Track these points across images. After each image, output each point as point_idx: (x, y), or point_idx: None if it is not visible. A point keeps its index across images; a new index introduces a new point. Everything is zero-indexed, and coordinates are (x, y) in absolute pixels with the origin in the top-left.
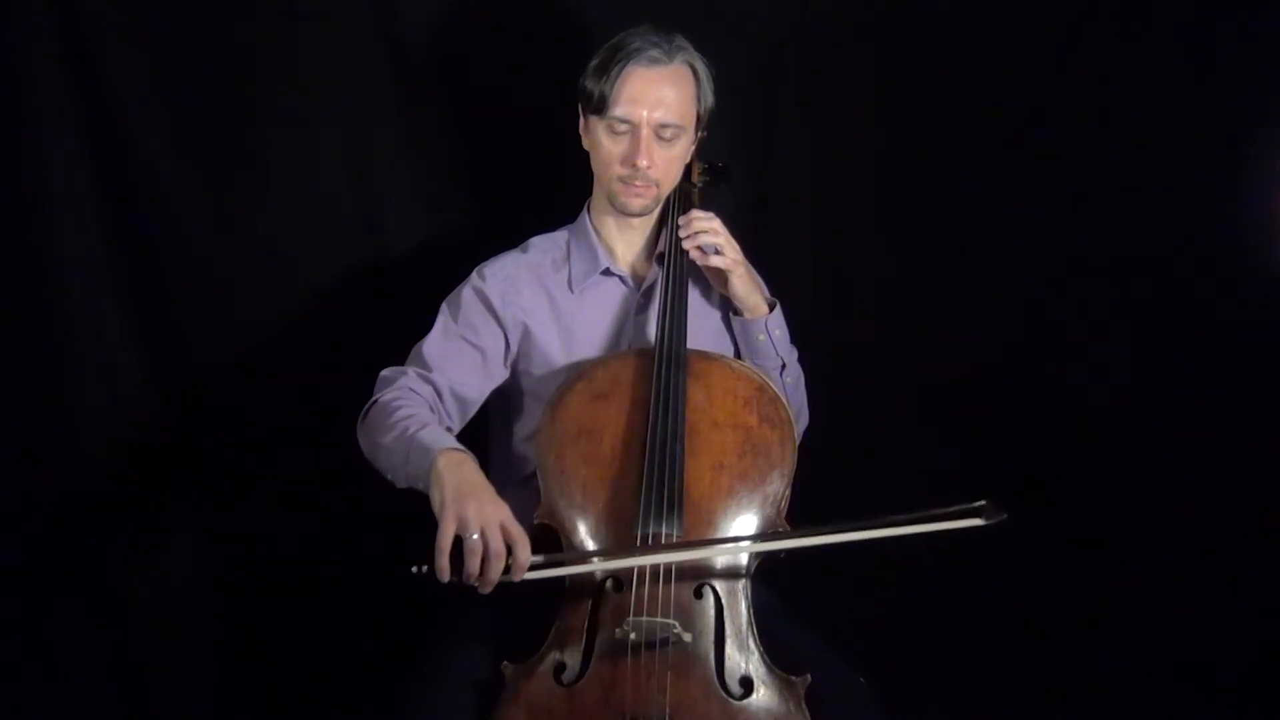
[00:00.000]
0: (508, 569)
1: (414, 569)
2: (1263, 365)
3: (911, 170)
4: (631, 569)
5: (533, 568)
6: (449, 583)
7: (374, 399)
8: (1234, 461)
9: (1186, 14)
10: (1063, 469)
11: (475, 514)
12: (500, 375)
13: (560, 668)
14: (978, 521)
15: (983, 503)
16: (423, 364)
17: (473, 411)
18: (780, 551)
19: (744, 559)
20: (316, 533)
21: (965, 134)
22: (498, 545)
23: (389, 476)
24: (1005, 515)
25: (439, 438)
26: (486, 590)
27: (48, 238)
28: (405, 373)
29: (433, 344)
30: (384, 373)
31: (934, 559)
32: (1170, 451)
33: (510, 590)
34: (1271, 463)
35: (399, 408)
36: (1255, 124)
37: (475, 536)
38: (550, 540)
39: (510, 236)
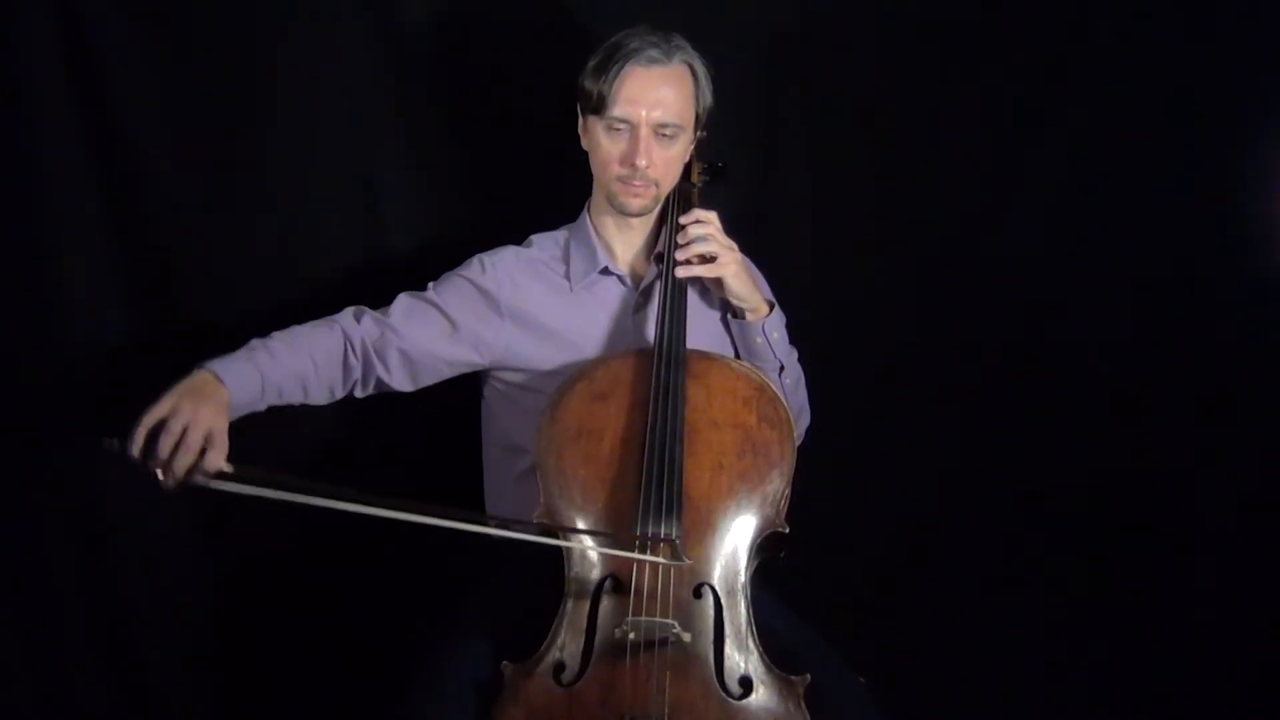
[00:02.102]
0: (195, 469)
1: (106, 440)
2: (1264, 365)
3: (911, 170)
4: (631, 567)
5: (222, 476)
6: (134, 463)
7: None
8: (1235, 461)
9: (1187, 13)
10: (1063, 469)
11: (190, 408)
12: (467, 356)
13: (559, 667)
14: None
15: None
16: (387, 312)
17: (429, 377)
18: (780, 554)
19: (743, 559)
20: (316, 532)
21: (965, 134)
22: (193, 440)
23: None
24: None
25: (227, 363)
26: (167, 485)
27: (48, 238)
28: (365, 311)
29: (405, 298)
30: (350, 308)
31: (934, 559)
32: (1171, 451)
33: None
34: (1273, 462)
35: (290, 333)
36: (1257, 123)
37: (177, 424)
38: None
39: (510, 236)
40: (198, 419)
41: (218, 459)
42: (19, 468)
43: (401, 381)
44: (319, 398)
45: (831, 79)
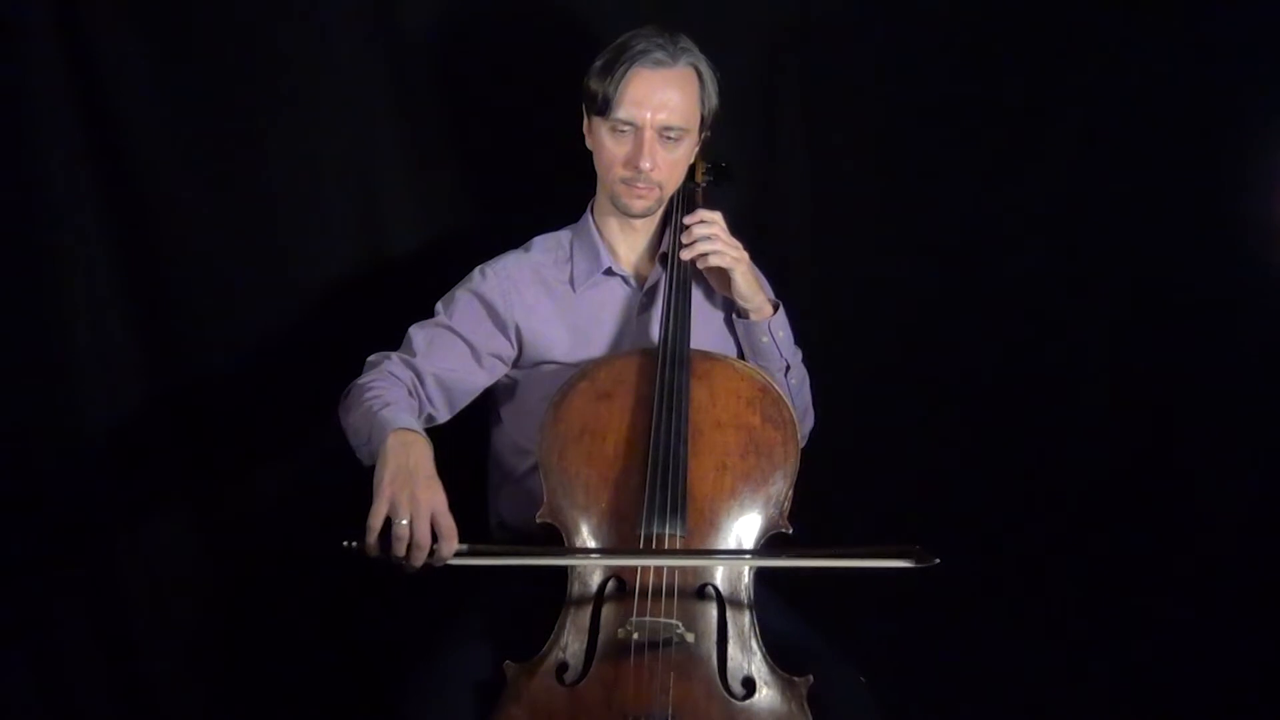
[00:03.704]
0: (433, 554)
1: (344, 544)
2: (1265, 366)
3: (913, 170)
4: (635, 568)
5: (459, 555)
6: (376, 559)
7: (356, 381)
8: (1236, 461)
9: (1187, 13)
10: (1063, 468)
11: (408, 500)
12: (495, 371)
13: (562, 667)
14: (906, 563)
15: (916, 547)
16: (409, 349)
17: (463, 402)
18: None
19: (744, 561)
20: (316, 532)
21: (966, 134)
22: (422, 536)
23: (359, 455)
24: (936, 561)
25: (397, 416)
26: (410, 572)
27: (48, 238)
28: (389, 357)
29: (421, 331)
30: (371, 357)
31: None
32: (1172, 451)
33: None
34: (1274, 462)
35: (372, 388)
36: (1257, 124)
37: (404, 523)
38: (553, 539)
39: (511, 236)
40: (419, 509)
41: (449, 550)
42: (18, 466)
43: (442, 413)
44: None
45: (834, 79)
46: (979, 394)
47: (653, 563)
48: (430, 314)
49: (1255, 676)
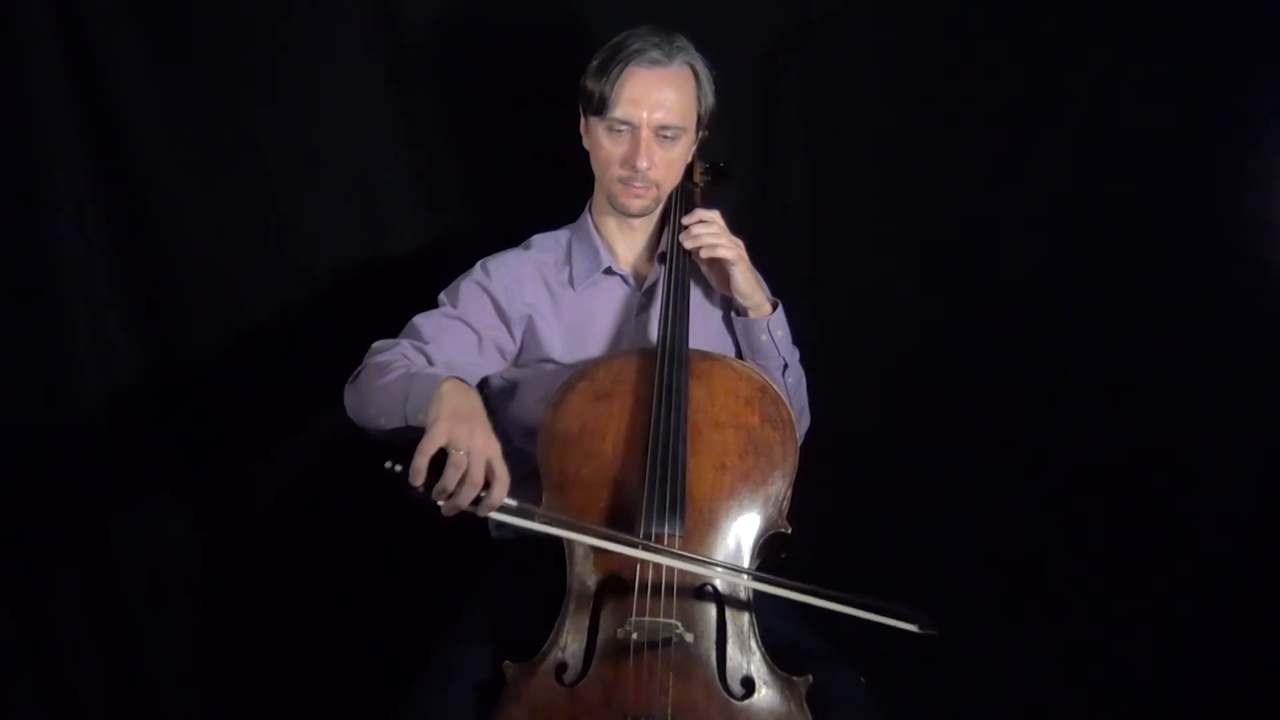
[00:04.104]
0: (478, 501)
1: (388, 464)
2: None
3: (912, 169)
4: (634, 567)
5: (503, 509)
6: (416, 492)
7: (365, 363)
8: (1236, 461)
9: (1187, 13)
10: (1063, 468)
11: (468, 436)
12: (495, 363)
13: (562, 668)
14: (912, 627)
15: (924, 614)
16: (416, 335)
17: None
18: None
19: (745, 560)
20: (317, 532)
21: (966, 134)
22: (477, 474)
23: (379, 422)
24: (936, 631)
25: (442, 373)
26: (447, 514)
27: (48, 237)
28: (399, 342)
29: (427, 320)
30: (376, 344)
31: (934, 559)
32: (1173, 451)
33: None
34: (1274, 462)
35: (395, 363)
36: (1257, 124)
37: (461, 453)
38: (553, 539)
39: (510, 236)
40: (476, 448)
41: (501, 494)
42: (19, 468)
43: None
44: None
45: (832, 78)
46: (978, 393)
47: (674, 563)
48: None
49: (1255, 676)
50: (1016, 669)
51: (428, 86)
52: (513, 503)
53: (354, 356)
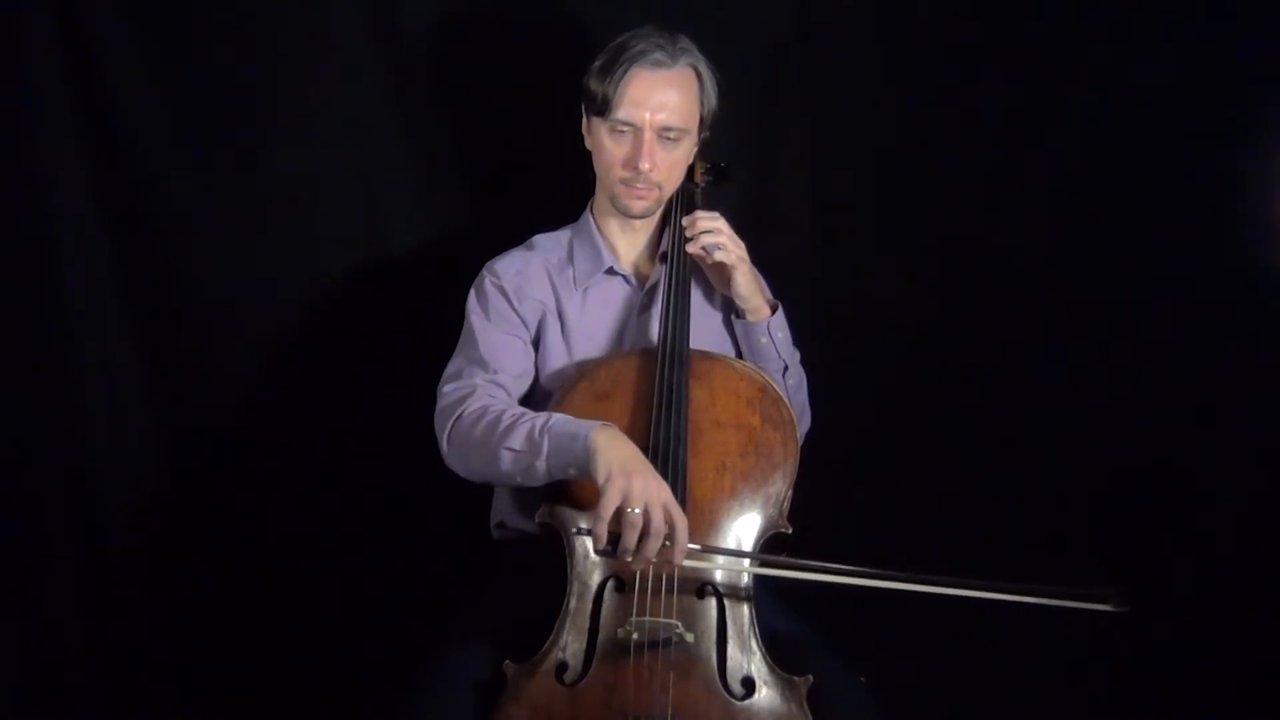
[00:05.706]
0: (665, 549)
1: (575, 529)
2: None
3: (913, 170)
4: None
5: (690, 555)
6: (602, 552)
7: (457, 414)
8: (1236, 461)
9: (1187, 13)
10: (1063, 469)
11: (640, 489)
12: (533, 357)
13: (562, 667)
14: (1105, 607)
15: (1113, 592)
16: (482, 366)
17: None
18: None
19: (745, 560)
20: (317, 532)
21: (967, 134)
22: (659, 523)
23: (515, 481)
24: (1128, 609)
25: (577, 421)
26: (637, 567)
27: (48, 239)
28: (473, 382)
29: (481, 345)
30: (444, 389)
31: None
32: (1174, 451)
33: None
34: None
35: (499, 412)
36: (1258, 124)
37: (637, 511)
38: (553, 540)
39: (511, 236)
40: (651, 498)
41: (684, 537)
42: (20, 469)
43: None
44: None
45: (834, 79)
46: (979, 394)
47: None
48: (432, 311)
49: (1255, 676)
50: (1017, 669)
51: (428, 86)
52: (697, 546)
53: (353, 354)
